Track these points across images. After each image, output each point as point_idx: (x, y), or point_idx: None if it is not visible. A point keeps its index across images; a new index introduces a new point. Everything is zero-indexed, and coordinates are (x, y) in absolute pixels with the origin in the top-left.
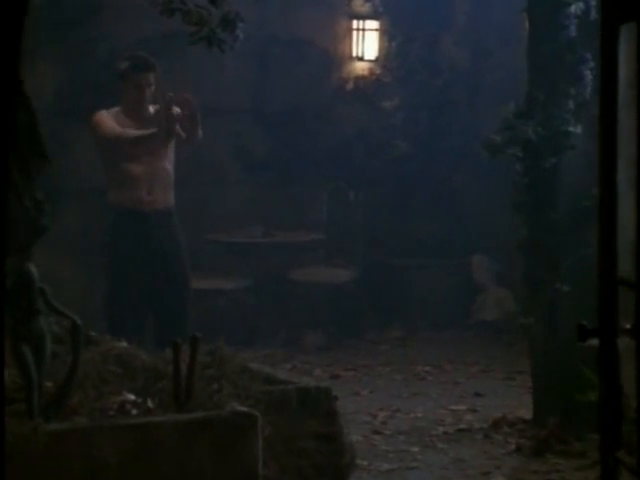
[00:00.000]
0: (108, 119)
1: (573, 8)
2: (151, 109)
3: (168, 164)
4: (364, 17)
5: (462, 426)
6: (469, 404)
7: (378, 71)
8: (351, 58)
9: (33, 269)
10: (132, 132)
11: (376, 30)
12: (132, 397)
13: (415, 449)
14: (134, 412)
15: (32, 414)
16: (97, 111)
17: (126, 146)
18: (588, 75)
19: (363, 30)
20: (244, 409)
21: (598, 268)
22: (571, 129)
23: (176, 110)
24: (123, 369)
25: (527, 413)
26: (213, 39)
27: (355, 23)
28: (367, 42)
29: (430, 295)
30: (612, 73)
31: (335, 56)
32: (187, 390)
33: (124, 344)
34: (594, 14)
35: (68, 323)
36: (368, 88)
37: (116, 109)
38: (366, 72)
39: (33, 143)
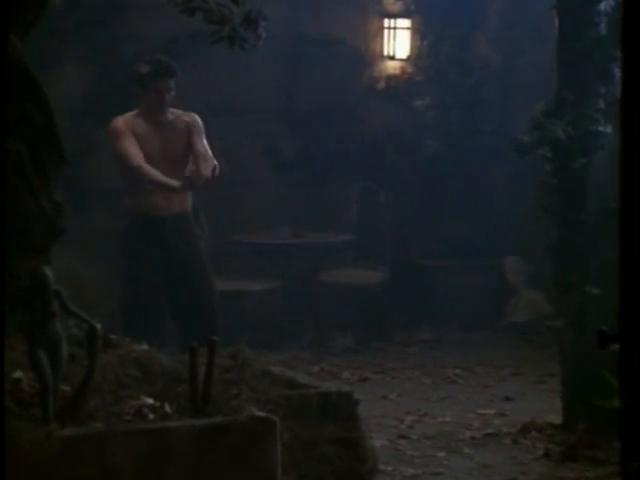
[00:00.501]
0: (131, 143)
1: (603, 5)
2: (170, 115)
3: (184, 168)
4: (395, 16)
5: (490, 431)
6: (498, 408)
7: (409, 70)
8: (382, 57)
9: (48, 271)
10: (151, 172)
11: (408, 29)
12: (150, 401)
13: (441, 454)
14: (151, 417)
15: (47, 419)
16: (115, 118)
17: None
18: (618, 73)
19: (394, 29)
20: (262, 414)
21: (618, 272)
22: (601, 129)
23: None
24: (142, 373)
25: (557, 418)
26: (235, 38)
27: (386, 22)
28: (399, 41)
29: (461, 297)
30: (636, 70)
31: (366, 55)
32: (204, 394)
33: (144, 347)
34: None
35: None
36: (399, 87)
37: (134, 112)
38: (397, 71)
39: (50, 144)
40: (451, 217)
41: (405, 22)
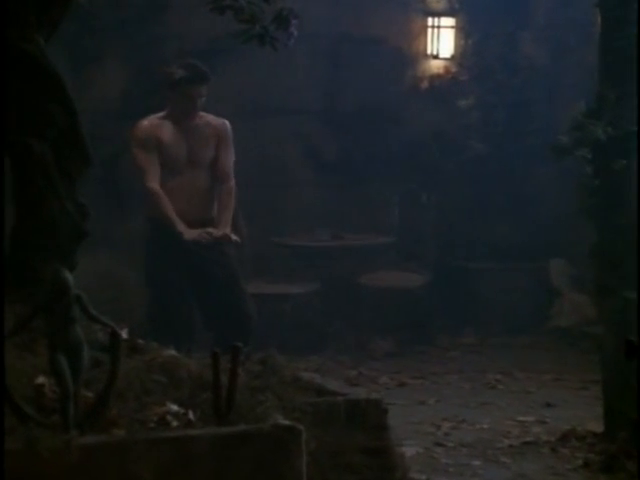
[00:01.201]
0: (149, 158)
1: None
2: (199, 120)
3: (207, 175)
4: (439, 14)
5: (529, 439)
6: (538, 415)
7: (454, 69)
8: (426, 56)
9: (68, 275)
10: (162, 203)
11: (452, 27)
12: (175, 408)
13: (477, 463)
14: (174, 424)
15: (67, 426)
16: (140, 121)
17: (166, 160)
18: None
19: (438, 27)
20: (287, 422)
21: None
22: None
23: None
24: (168, 378)
25: (598, 426)
26: (265, 37)
27: (430, 20)
28: (442, 40)
29: (505, 300)
30: None
31: (409, 54)
32: (228, 402)
33: (171, 352)
34: None
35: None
36: (443, 87)
37: (162, 114)
38: (441, 70)
39: (75, 146)
40: (495, 219)
41: (449, 20)
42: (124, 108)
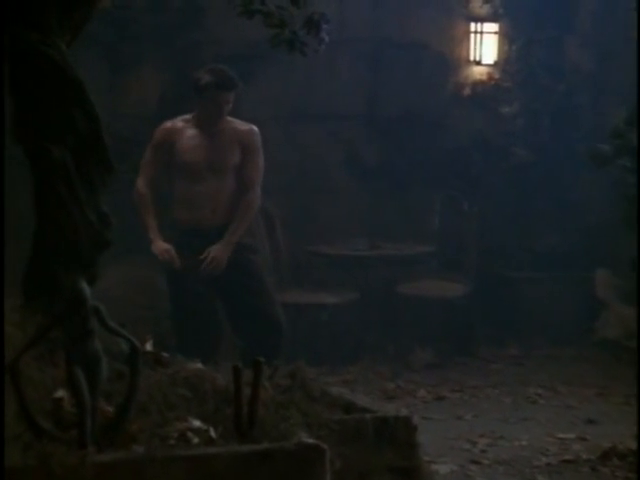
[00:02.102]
0: (151, 162)
1: None
2: (224, 125)
3: (233, 182)
4: (483, 19)
5: (568, 457)
6: (579, 432)
7: (497, 75)
8: (468, 62)
9: (85, 286)
10: (143, 207)
11: (495, 33)
12: (197, 424)
13: None
14: (195, 441)
15: (84, 442)
16: (164, 122)
17: (180, 164)
18: None
19: (481, 33)
20: (311, 441)
21: None
22: None
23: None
24: (192, 392)
25: None
26: (295, 42)
27: (473, 26)
28: (485, 45)
29: (549, 311)
30: None
31: (451, 60)
32: (249, 418)
33: (197, 366)
34: None
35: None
36: (486, 93)
37: (186, 117)
38: (484, 77)
39: (97, 153)
40: (540, 227)
41: (492, 26)
42: (161, 113)
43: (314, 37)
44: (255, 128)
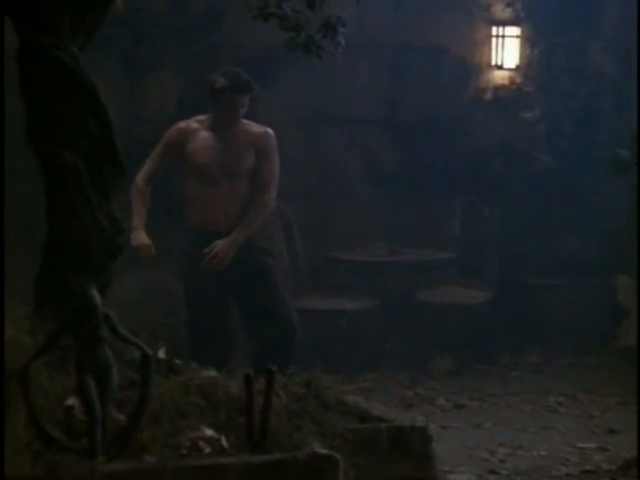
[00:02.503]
0: (154, 159)
1: None
2: (238, 127)
3: (247, 185)
4: (504, 23)
5: (588, 467)
6: (600, 441)
7: (518, 80)
8: (489, 66)
9: (95, 294)
10: (135, 194)
11: (517, 37)
12: (210, 433)
13: None
14: (207, 450)
15: (94, 452)
16: (177, 122)
17: (192, 167)
18: None
19: (503, 37)
20: (324, 451)
21: None
22: None
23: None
24: (205, 401)
25: None
26: (311, 46)
27: (494, 29)
28: (507, 49)
29: (571, 318)
30: None
31: (472, 64)
32: (262, 428)
33: (210, 373)
34: None
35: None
36: (507, 98)
37: (201, 119)
38: (506, 81)
39: (109, 158)
40: (562, 233)
41: (514, 30)
42: (179, 117)
43: (330, 41)
44: (270, 131)
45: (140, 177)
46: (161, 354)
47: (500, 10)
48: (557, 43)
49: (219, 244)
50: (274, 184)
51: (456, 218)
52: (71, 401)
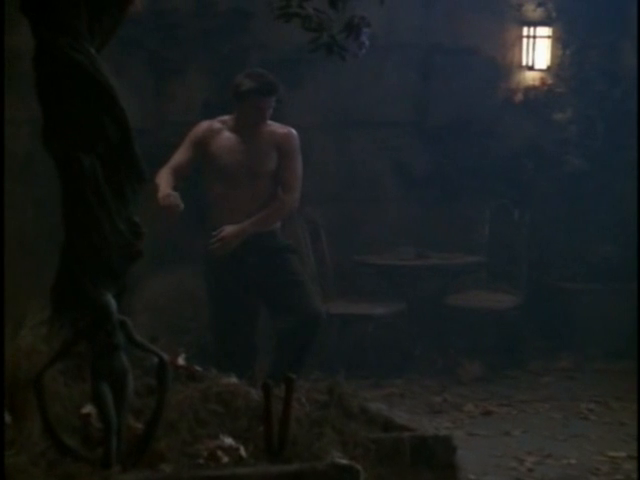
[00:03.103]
0: (178, 157)
1: None
2: (262, 128)
3: (270, 187)
4: (535, 24)
5: (619, 476)
6: (631, 450)
7: (550, 81)
8: (520, 67)
9: (111, 300)
10: (160, 175)
11: (548, 37)
12: (229, 441)
13: None
14: (224, 460)
15: (109, 461)
16: (201, 122)
17: (215, 167)
18: None
19: (534, 37)
20: (345, 461)
21: None
22: None
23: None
24: (225, 408)
25: None
26: (333, 46)
27: (525, 30)
28: (538, 50)
29: (602, 323)
30: None
31: (503, 65)
32: (281, 437)
33: (231, 380)
34: None
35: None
36: (538, 99)
37: (224, 119)
38: (537, 82)
39: (128, 161)
40: (594, 237)
41: (545, 30)
42: (206, 119)
43: (354, 41)
44: (293, 131)
45: (163, 169)
46: (180, 361)
47: (531, 10)
48: (590, 43)
49: (227, 229)
50: (297, 185)
51: (486, 222)
52: (88, 409)
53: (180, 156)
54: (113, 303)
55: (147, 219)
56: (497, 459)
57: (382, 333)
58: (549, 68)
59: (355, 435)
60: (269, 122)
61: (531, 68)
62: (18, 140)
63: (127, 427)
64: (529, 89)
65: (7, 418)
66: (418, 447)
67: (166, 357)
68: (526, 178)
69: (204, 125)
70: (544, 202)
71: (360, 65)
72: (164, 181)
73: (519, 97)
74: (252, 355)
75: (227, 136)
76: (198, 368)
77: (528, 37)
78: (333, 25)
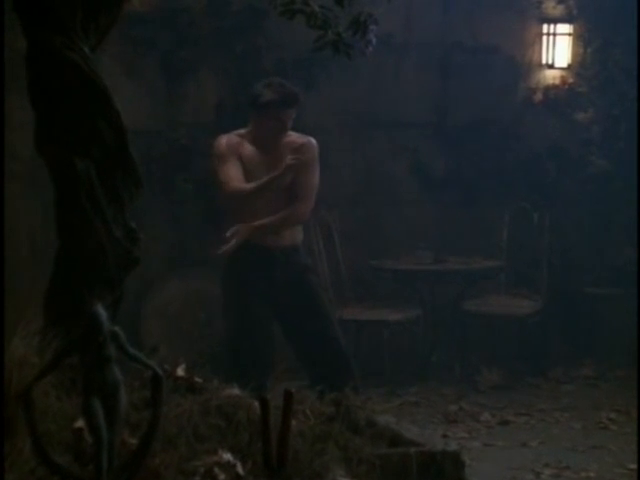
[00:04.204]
0: (232, 168)
1: None
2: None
3: (291, 196)
4: (556, 21)
5: None
6: None
7: (571, 80)
8: (540, 66)
9: (101, 311)
10: (246, 188)
11: (569, 35)
12: (228, 457)
13: None
14: (221, 477)
15: (99, 479)
16: (219, 138)
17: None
18: None
19: (554, 35)
20: (345, 479)
21: None
22: None
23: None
24: (226, 422)
25: None
26: (339, 44)
27: (545, 27)
28: (558, 48)
29: (627, 329)
30: None
31: (522, 64)
32: (279, 454)
33: (233, 391)
34: None
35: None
36: (559, 99)
37: (241, 133)
38: (557, 81)
39: (123, 165)
40: (618, 241)
41: (565, 27)
42: (219, 121)
43: (361, 39)
44: (313, 141)
45: (235, 185)
46: (180, 371)
47: (552, 7)
48: (613, 41)
49: (240, 228)
50: (311, 195)
51: (505, 225)
52: (80, 423)
53: (237, 175)
54: (104, 314)
55: (160, 223)
56: (513, 472)
57: (398, 339)
58: (570, 66)
59: (360, 451)
60: (288, 132)
61: (551, 66)
62: (28, 144)
63: (121, 443)
64: (549, 88)
65: None
66: (426, 463)
67: (160, 371)
68: (548, 180)
69: (227, 139)
70: (567, 205)
71: (377, 65)
72: (252, 184)
73: (539, 96)
74: (269, 367)
75: (249, 149)
76: (198, 379)
77: (548, 35)
78: (339, 23)
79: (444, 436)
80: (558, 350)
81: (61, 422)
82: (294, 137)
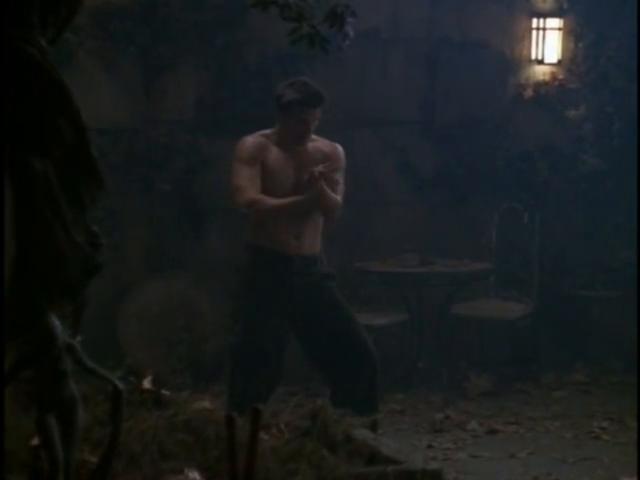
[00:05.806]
0: (252, 179)
1: None
2: (309, 144)
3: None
4: (546, 15)
5: None
6: None
7: (561, 76)
8: (530, 61)
9: (56, 322)
10: (270, 204)
11: (559, 29)
12: (195, 476)
13: None
14: None
15: None
16: (244, 139)
17: (270, 188)
18: None
19: (544, 29)
20: None
21: None
22: None
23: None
24: (194, 438)
25: None
26: (315, 38)
27: (535, 22)
28: (548, 43)
29: (622, 332)
30: None
31: (512, 59)
32: (247, 474)
33: (204, 404)
34: None
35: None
36: (550, 95)
37: (266, 133)
38: (547, 77)
39: (84, 166)
40: (612, 242)
41: (555, 22)
42: (199, 118)
43: (337, 32)
44: (340, 147)
45: (251, 195)
46: (146, 384)
47: (541, 0)
48: (606, 36)
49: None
50: (341, 202)
51: (495, 225)
52: (36, 441)
53: (255, 183)
54: (58, 325)
55: (139, 224)
56: None
57: (384, 345)
58: (560, 62)
59: (334, 470)
60: (315, 137)
61: (541, 62)
62: None
63: (81, 461)
64: (539, 84)
65: None
66: None
67: (120, 384)
68: (539, 179)
69: (250, 140)
70: (559, 204)
71: (363, 60)
72: (280, 201)
73: (529, 93)
74: (276, 383)
75: (273, 153)
76: (165, 392)
77: (538, 29)
78: (315, 15)
79: (429, 446)
80: (550, 355)
81: (17, 439)
82: (320, 144)
